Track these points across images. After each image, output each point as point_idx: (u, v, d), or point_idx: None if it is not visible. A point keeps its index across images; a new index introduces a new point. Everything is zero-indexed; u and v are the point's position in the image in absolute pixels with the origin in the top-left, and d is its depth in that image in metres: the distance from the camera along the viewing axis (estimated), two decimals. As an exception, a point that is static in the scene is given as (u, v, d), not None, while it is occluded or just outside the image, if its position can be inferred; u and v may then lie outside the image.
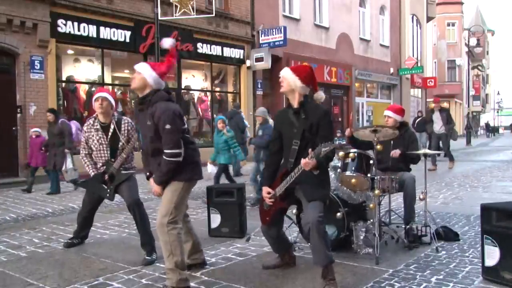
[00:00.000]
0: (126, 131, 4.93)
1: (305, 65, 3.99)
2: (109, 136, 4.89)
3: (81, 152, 5.07)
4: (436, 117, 13.27)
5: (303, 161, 3.57)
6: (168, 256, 3.71)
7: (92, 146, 4.95)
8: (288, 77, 3.81)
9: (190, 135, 4.02)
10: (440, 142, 13.40)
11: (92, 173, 5.00)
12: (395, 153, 5.24)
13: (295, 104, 3.85)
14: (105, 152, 4.91)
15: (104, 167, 4.93)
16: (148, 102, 3.78)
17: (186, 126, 3.89)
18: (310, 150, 3.53)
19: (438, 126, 13.15)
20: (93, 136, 4.91)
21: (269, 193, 3.91)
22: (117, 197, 5.10)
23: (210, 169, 8.39)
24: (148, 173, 4.04)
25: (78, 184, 5.42)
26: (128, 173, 4.94)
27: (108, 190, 4.94)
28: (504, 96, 71.01)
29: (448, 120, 13.07)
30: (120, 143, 4.89)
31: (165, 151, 3.67)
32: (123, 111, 13.59)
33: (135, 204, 4.78)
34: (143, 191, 8.99)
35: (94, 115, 5.02)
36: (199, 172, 3.99)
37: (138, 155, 4.91)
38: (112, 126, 4.91)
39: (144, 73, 3.82)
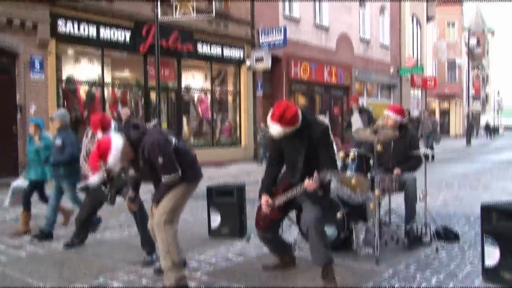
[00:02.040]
0: None
1: (283, 109, 3.70)
2: None
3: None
4: (355, 119, 10.73)
5: (306, 182, 3.61)
6: (165, 255, 3.74)
7: None
8: (284, 131, 3.70)
9: (182, 144, 4.06)
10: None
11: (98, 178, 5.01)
12: (397, 170, 5.18)
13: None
14: None
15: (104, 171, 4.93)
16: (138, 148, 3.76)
17: (174, 142, 3.90)
18: (316, 173, 3.57)
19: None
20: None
21: (267, 201, 3.92)
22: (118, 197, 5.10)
23: (16, 183, 6.73)
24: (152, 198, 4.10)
25: (80, 189, 5.41)
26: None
27: (109, 195, 4.94)
28: (504, 96, 71.04)
29: (368, 122, 10.43)
30: None
31: (164, 177, 3.76)
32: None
33: None
34: (142, 191, 8.99)
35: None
36: (199, 173, 4.06)
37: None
38: None
39: (115, 162, 3.68)
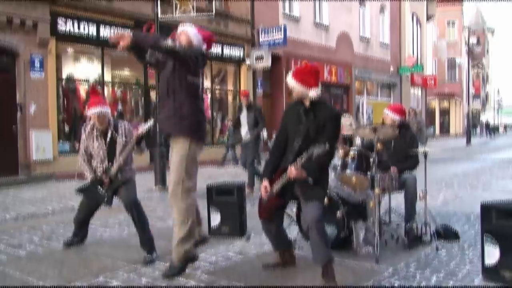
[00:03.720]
0: (123, 136, 4.90)
1: (306, 66, 3.97)
2: (107, 142, 4.89)
3: (79, 158, 5.07)
4: (243, 116, 9.15)
5: (288, 170, 3.61)
6: (181, 224, 3.70)
7: (92, 152, 4.95)
8: (296, 88, 3.82)
9: (201, 96, 4.12)
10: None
11: (90, 178, 5.00)
12: (393, 169, 5.16)
13: (306, 103, 3.86)
14: (105, 158, 4.90)
15: (102, 173, 4.92)
16: None
17: (199, 82, 3.98)
18: (298, 159, 3.55)
19: (244, 130, 9.09)
20: (93, 143, 4.92)
21: (266, 187, 3.90)
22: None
23: None
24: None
25: (77, 190, 5.42)
26: (126, 177, 4.91)
27: (106, 196, 4.93)
28: (504, 95, 71.10)
29: (256, 121, 8.98)
30: (118, 148, 4.88)
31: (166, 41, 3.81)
32: (123, 111, 13.58)
33: (133, 204, 4.77)
34: (142, 190, 8.99)
35: (92, 122, 4.99)
36: (204, 134, 4.06)
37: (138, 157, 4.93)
38: (109, 132, 4.90)
39: (190, 32, 3.99)
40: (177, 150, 3.80)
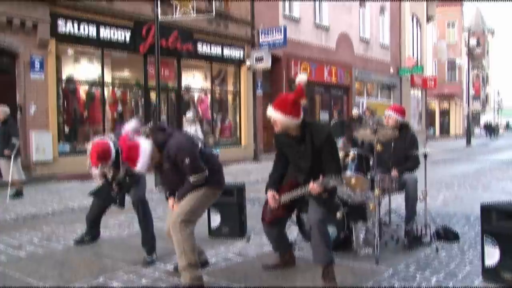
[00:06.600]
0: None
1: (286, 97, 3.76)
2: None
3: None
4: None
5: (311, 185, 3.62)
6: (181, 255, 3.76)
7: None
8: (278, 120, 3.69)
9: (208, 150, 4.14)
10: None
11: (101, 182, 5.01)
12: (394, 172, 5.19)
13: (294, 132, 3.78)
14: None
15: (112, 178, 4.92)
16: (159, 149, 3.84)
17: (200, 145, 3.99)
18: (321, 176, 3.57)
19: None
20: None
21: (273, 196, 3.93)
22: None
23: None
24: (168, 192, 4.16)
25: (90, 194, 5.43)
26: (135, 179, 4.89)
27: (118, 198, 4.93)
28: (504, 96, 71.12)
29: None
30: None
31: (191, 178, 3.82)
32: (123, 112, 13.59)
33: (140, 202, 4.78)
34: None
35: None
36: (221, 180, 4.11)
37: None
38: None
39: (143, 166, 3.80)
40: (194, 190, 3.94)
